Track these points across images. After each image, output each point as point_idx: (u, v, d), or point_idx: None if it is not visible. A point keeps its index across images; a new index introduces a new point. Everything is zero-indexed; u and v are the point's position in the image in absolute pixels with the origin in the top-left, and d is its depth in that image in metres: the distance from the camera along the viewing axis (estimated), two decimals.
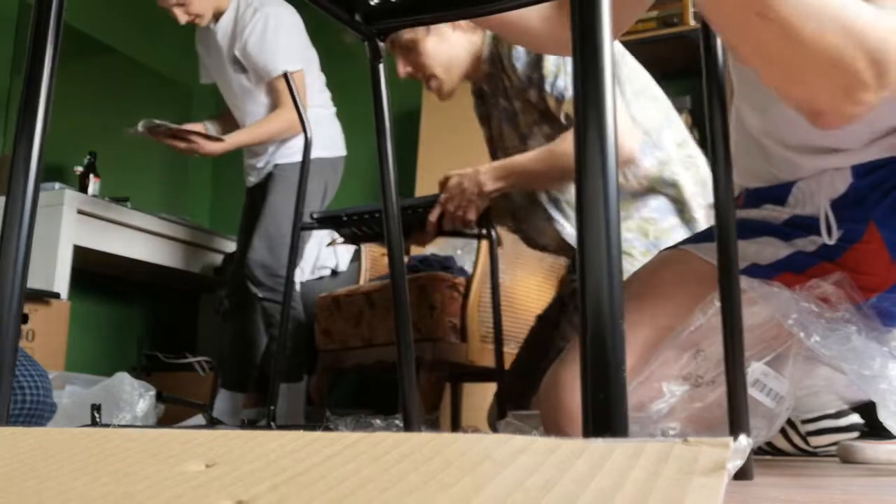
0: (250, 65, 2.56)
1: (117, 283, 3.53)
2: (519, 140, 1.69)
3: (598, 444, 0.30)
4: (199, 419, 2.52)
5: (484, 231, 1.92)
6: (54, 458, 0.34)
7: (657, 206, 1.57)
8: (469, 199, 1.66)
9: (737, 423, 0.78)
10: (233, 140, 2.58)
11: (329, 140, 2.68)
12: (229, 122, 2.80)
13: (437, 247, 3.05)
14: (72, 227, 2.83)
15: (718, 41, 0.84)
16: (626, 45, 3.22)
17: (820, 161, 1.09)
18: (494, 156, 1.82)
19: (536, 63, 1.56)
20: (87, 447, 0.35)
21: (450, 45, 1.69)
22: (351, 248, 3.21)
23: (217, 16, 2.60)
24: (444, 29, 1.69)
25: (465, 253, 2.88)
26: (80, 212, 2.88)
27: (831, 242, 1.06)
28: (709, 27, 0.84)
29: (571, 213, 1.67)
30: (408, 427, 1.04)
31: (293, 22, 2.60)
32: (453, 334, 2.33)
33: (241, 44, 2.54)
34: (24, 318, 2.52)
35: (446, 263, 2.65)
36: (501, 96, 1.69)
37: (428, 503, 0.24)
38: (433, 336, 2.29)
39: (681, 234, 1.55)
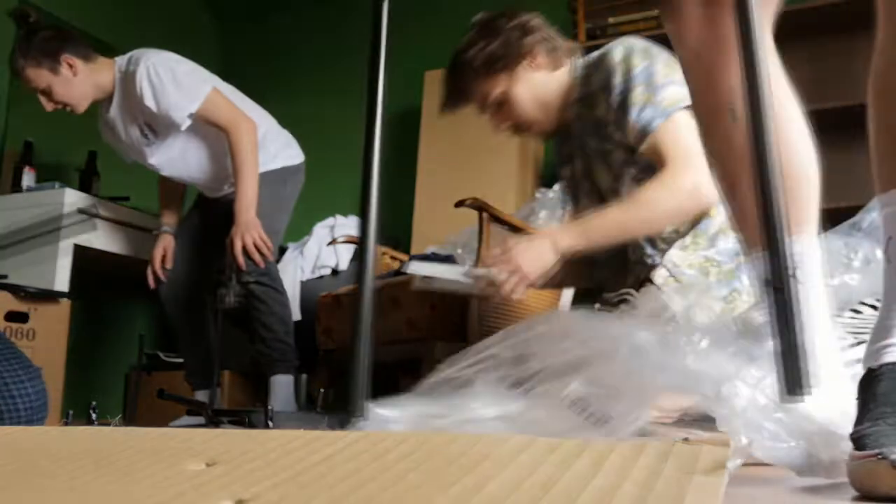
0: (160, 123, 2.53)
1: (117, 282, 3.52)
2: (612, 179, 1.67)
3: (599, 443, 0.30)
4: (190, 417, 2.53)
5: None
6: (55, 458, 0.34)
7: (724, 250, 1.55)
8: (545, 263, 1.55)
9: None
10: (247, 202, 2.51)
11: (288, 146, 2.76)
12: (174, 194, 2.83)
13: (438, 245, 3.06)
14: (72, 227, 2.83)
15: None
16: None
17: None
18: (575, 197, 1.81)
19: (628, 94, 1.57)
20: (88, 446, 0.35)
21: (537, 87, 1.71)
22: (351, 248, 3.21)
23: (102, 101, 2.58)
24: (527, 73, 1.70)
25: (465, 252, 2.89)
26: (81, 211, 2.88)
27: None
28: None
29: (665, 247, 1.62)
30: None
31: (168, 60, 2.54)
32: (454, 334, 2.33)
33: (142, 108, 2.50)
34: (25, 317, 2.52)
35: (447, 262, 2.65)
36: (592, 135, 1.68)
37: (428, 502, 0.24)
38: (434, 335, 2.29)
39: (737, 277, 1.53)
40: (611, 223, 1.55)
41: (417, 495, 0.25)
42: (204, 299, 2.73)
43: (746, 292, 1.53)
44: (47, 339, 2.56)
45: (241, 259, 2.49)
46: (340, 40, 4.14)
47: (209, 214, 2.78)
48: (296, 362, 2.65)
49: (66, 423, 2.67)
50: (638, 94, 1.56)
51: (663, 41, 3.73)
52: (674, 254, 1.56)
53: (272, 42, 4.35)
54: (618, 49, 1.62)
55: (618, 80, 1.59)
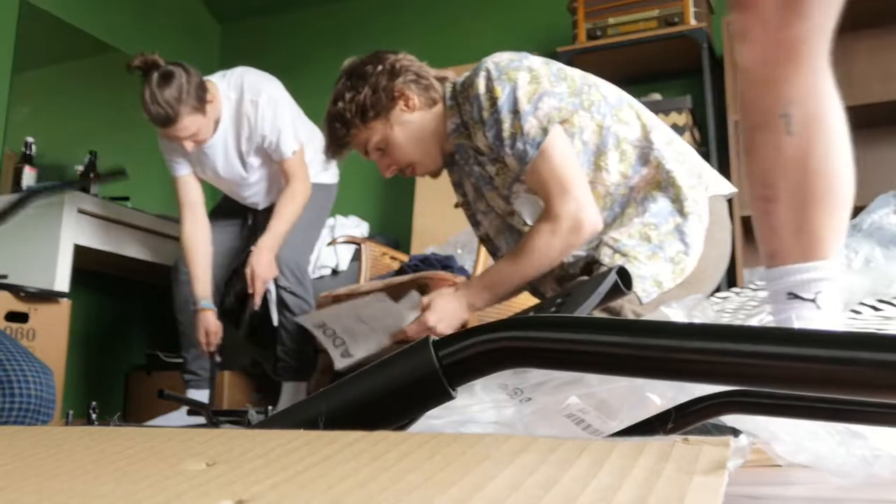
0: (261, 149, 2.60)
1: (118, 282, 3.53)
2: (504, 201, 1.71)
3: (599, 443, 0.30)
4: (182, 414, 2.54)
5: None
6: (54, 457, 0.34)
7: (657, 211, 1.56)
8: (458, 320, 1.67)
9: None
10: (274, 239, 2.56)
11: (333, 165, 2.84)
12: (205, 259, 2.71)
13: (437, 245, 3.06)
14: (72, 227, 2.83)
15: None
16: (628, 44, 3.23)
17: None
18: (475, 221, 1.84)
19: (498, 127, 1.58)
20: (88, 446, 0.35)
21: (414, 128, 1.70)
22: (351, 248, 3.21)
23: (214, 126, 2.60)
24: (403, 116, 1.69)
25: (465, 252, 2.89)
26: (81, 211, 2.88)
27: None
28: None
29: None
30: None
31: (284, 94, 2.65)
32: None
33: (254, 136, 2.57)
34: (25, 317, 2.52)
35: (447, 262, 2.65)
36: (475, 163, 1.70)
37: (428, 502, 0.24)
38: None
39: (678, 237, 1.55)
40: (509, 279, 1.63)
41: (417, 495, 0.25)
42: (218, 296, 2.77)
43: (693, 251, 1.54)
44: (47, 339, 2.56)
45: (259, 290, 2.52)
46: (340, 40, 4.14)
47: (255, 218, 2.85)
48: (310, 370, 2.67)
49: (67, 423, 2.67)
50: (507, 128, 1.56)
51: (663, 42, 3.72)
52: (611, 231, 1.57)
53: (272, 42, 4.35)
54: (480, 77, 1.60)
55: (487, 114, 1.59)
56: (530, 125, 1.54)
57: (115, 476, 0.30)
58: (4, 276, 2.53)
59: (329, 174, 2.83)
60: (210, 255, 2.66)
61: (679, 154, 1.61)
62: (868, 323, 1.21)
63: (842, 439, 0.73)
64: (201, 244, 2.64)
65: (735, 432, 0.79)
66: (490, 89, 1.58)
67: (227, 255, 2.77)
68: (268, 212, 2.70)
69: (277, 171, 2.66)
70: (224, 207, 2.87)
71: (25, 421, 1.24)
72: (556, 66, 1.64)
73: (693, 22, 3.13)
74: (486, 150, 1.64)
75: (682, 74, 3.40)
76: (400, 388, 0.48)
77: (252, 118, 2.53)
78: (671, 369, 0.43)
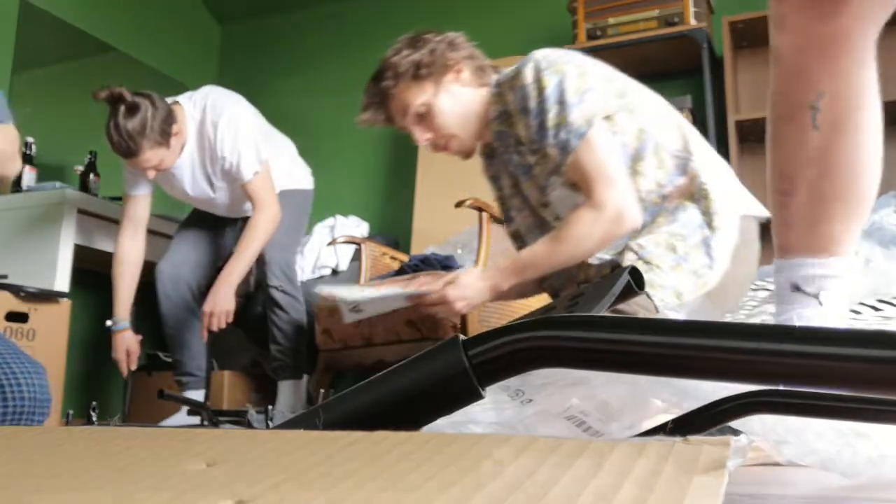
0: (225, 172, 2.60)
1: None
2: (540, 193, 1.70)
3: (599, 443, 0.30)
4: (183, 415, 2.55)
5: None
6: (54, 457, 0.34)
7: (686, 221, 1.54)
8: (479, 301, 1.65)
9: None
10: (233, 275, 2.56)
11: (309, 174, 2.93)
12: (131, 284, 2.73)
13: (437, 245, 3.06)
14: (72, 227, 2.82)
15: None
16: (628, 44, 3.23)
17: None
18: (508, 216, 1.83)
19: (543, 117, 1.57)
20: (88, 446, 0.35)
21: (461, 101, 1.71)
22: (351, 248, 3.21)
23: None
24: (452, 86, 1.70)
25: (465, 252, 2.89)
26: (81, 211, 2.88)
27: None
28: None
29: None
30: None
31: (246, 114, 2.64)
32: (453, 334, 2.33)
33: (215, 157, 2.57)
34: (25, 317, 2.51)
35: (447, 262, 2.65)
36: (514, 151, 1.70)
37: (427, 502, 0.24)
38: (433, 336, 2.29)
39: (704, 251, 1.53)
40: (541, 262, 1.60)
41: (417, 495, 0.25)
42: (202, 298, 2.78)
43: (717, 265, 1.53)
44: (47, 339, 2.56)
45: (204, 332, 2.53)
46: (339, 40, 4.14)
47: (227, 220, 2.88)
48: (305, 368, 2.68)
49: (67, 423, 2.67)
50: (552, 117, 1.56)
51: (663, 42, 3.72)
52: (638, 238, 1.56)
53: (271, 42, 4.35)
54: (528, 67, 1.60)
55: (533, 103, 1.59)
56: (575, 116, 1.54)
57: (115, 476, 0.30)
58: (4, 276, 2.52)
59: (305, 181, 2.87)
60: (137, 277, 2.71)
61: (716, 169, 1.61)
62: (868, 323, 1.21)
63: (847, 441, 0.73)
64: (132, 264, 2.69)
65: (735, 432, 0.79)
66: (538, 79, 1.58)
67: (213, 254, 2.79)
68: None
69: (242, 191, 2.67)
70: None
71: (21, 424, 1.24)
72: (604, 66, 1.65)
73: (693, 22, 3.13)
74: (526, 142, 1.64)
75: (682, 74, 3.40)
76: (429, 388, 0.48)
77: (212, 140, 2.54)
78: (707, 368, 0.43)
